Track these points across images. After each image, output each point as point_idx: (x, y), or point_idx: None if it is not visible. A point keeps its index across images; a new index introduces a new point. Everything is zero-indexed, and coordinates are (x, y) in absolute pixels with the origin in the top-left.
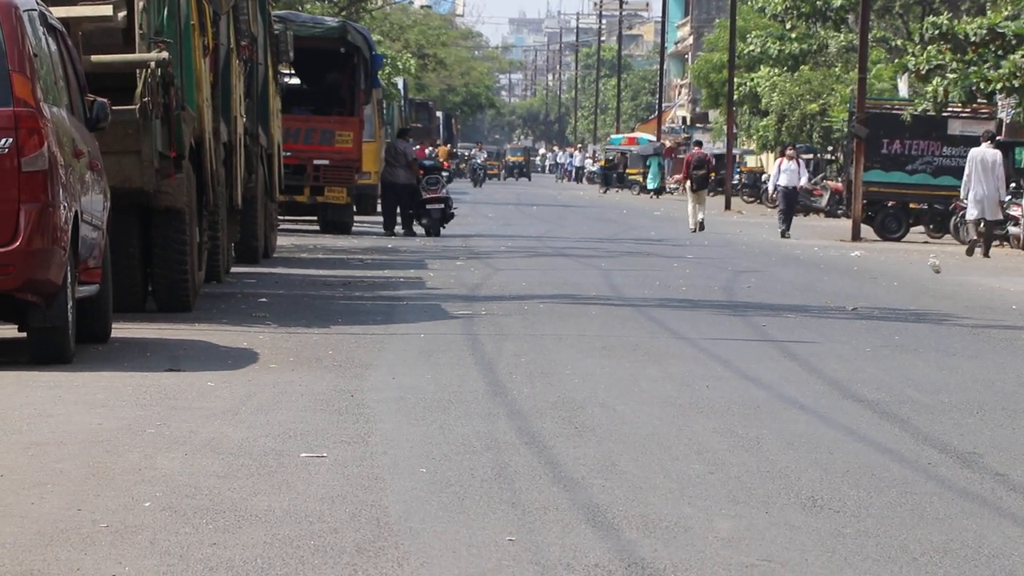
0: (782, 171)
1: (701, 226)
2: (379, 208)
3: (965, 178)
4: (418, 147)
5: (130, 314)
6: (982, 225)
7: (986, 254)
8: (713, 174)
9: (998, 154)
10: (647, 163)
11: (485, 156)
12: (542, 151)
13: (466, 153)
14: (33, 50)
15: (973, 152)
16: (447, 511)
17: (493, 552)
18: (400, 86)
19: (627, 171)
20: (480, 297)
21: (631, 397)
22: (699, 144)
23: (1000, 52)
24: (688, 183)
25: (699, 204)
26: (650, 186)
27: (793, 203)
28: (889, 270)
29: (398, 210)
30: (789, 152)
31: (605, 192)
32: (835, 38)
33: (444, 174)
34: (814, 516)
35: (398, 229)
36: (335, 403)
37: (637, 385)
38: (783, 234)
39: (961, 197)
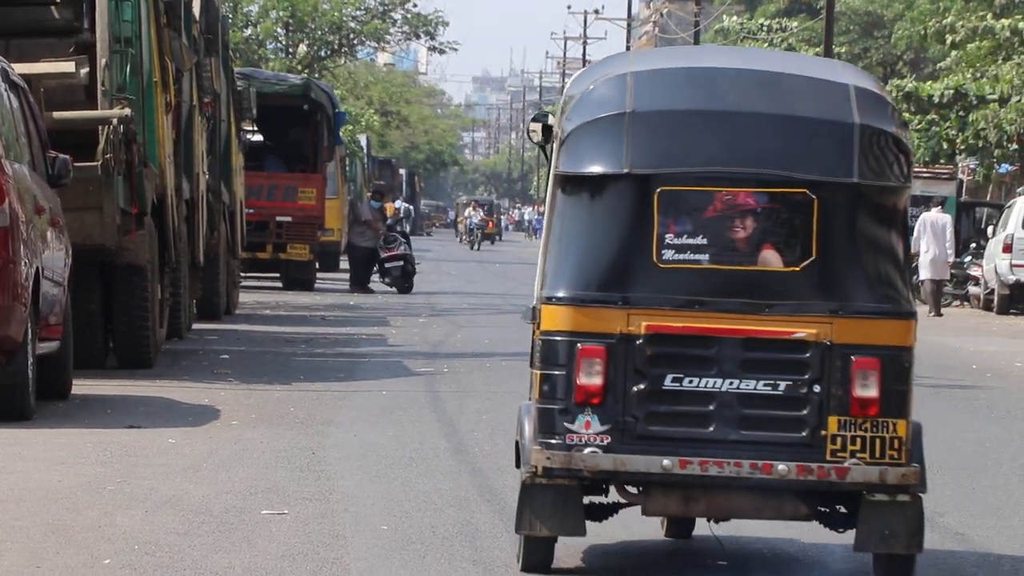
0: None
1: None
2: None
3: (915, 237)
4: (381, 204)
5: (91, 370)
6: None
7: (938, 312)
8: None
9: (948, 218)
10: None
11: (482, 215)
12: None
13: (409, 209)
14: None
15: (924, 216)
16: (408, 568)
17: None
18: (363, 143)
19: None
20: (442, 354)
21: None
22: None
23: (963, 112)
24: None
25: None
26: None
27: None
28: None
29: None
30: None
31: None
32: None
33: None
34: None
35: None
36: (296, 460)
37: None
38: None
39: (913, 251)
